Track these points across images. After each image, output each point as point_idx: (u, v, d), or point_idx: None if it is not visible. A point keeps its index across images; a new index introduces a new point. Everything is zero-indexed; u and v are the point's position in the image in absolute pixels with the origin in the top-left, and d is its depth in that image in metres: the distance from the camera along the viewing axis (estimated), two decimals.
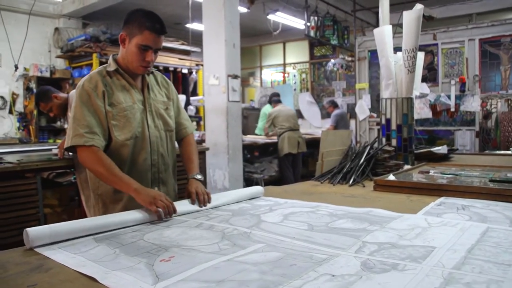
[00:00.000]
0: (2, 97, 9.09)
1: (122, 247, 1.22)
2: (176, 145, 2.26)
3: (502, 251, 1.14)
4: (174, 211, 1.60)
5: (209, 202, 1.77)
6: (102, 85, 1.93)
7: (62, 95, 3.85)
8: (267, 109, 8.27)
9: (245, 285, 0.92)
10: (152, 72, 2.15)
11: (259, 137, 7.95)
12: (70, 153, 3.31)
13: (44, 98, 3.79)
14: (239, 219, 1.53)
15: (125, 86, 2.00)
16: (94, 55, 7.50)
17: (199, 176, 2.00)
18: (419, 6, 2.70)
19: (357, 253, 1.14)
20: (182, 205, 1.69)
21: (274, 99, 7.66)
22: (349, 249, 1.17)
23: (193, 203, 1.74)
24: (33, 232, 1.22)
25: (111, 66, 2.00)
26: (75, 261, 1.10)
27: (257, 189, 2.00)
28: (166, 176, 2.13)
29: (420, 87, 6.94)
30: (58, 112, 3.86)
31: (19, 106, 9.19)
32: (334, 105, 8.97)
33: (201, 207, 1.72)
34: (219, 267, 1.04)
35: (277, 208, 1.71)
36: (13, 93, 9.16)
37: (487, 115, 7.00)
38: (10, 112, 9.16)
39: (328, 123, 9.08)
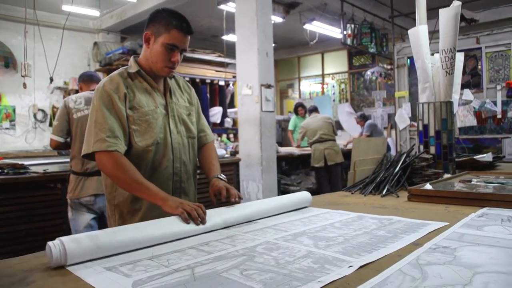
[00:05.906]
0: (43, 111, 9.34)
1: None
2: None
3: (326, 230, 1.35)
4: (204, 213, 1.43)
5: (240, 198, 1.69)
6: (124, 87, 1.81)
7: (87, 88, 3.54)
8: (293, 120, 8.78)
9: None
10: (173, 76, 2.04)
11: (295, 149, 7.77)
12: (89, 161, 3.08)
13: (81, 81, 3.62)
14: None
15: (147, 89, 1.89)
16: None
17: (222, 176, 1.89)
18: (456, 3, 2.51)
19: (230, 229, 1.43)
20: (213, 216, 1.47)
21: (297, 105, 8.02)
22: (234, 228, 1.43)
23: (223, 198, 1.67)
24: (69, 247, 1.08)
25: (133, 67, 1.89)
26: None
27: (303, 196, 1.82)
28: (187, 186, 1.99)
29: (464, 94, 6.69)
30: None
31: None
32: (365, 118, 9.03)
33: (233, 201, 1.66)
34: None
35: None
36: (53, 106, 9.40)
37: None
38: (50, 125, 9.34)
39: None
